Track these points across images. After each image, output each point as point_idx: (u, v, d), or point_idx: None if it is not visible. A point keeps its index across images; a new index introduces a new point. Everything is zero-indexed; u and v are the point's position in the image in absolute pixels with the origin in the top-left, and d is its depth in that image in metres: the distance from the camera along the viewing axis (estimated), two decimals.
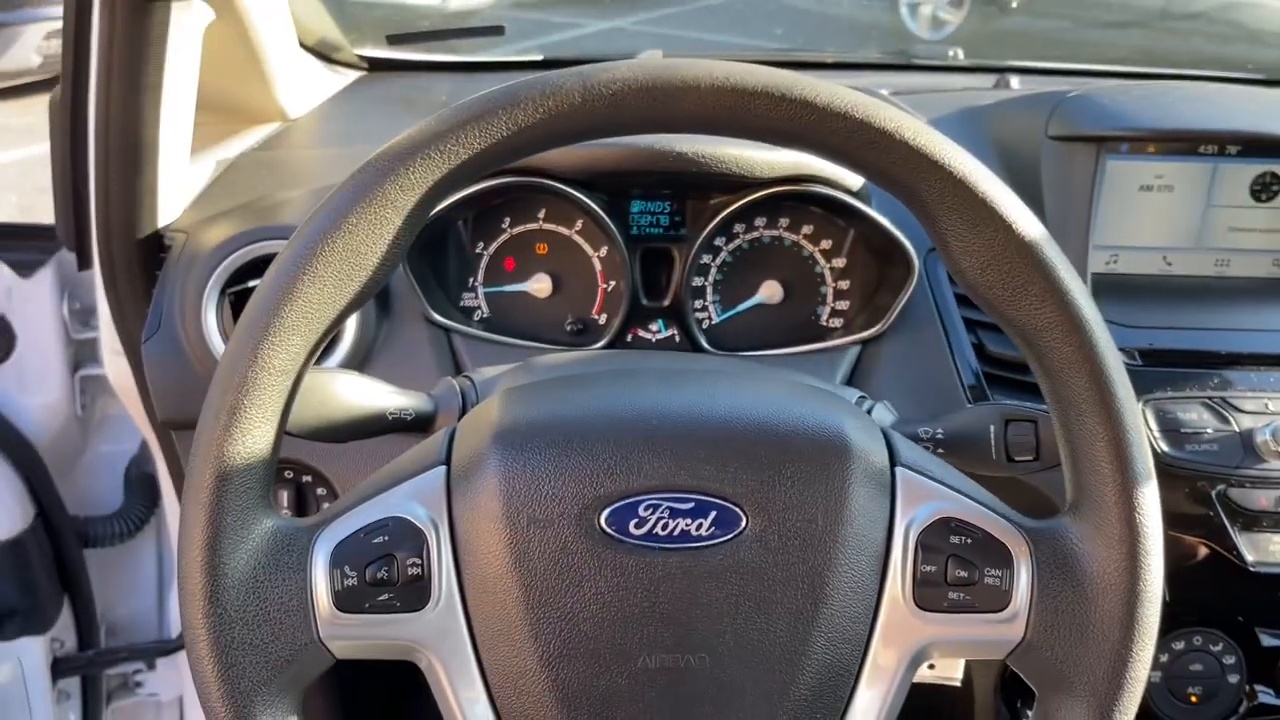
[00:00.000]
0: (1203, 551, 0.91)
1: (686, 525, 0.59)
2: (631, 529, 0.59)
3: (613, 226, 0.98)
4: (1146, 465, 0.58)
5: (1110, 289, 0.99)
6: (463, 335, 0.99)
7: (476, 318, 1.04)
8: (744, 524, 0.59)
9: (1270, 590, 0.92)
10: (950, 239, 0.59)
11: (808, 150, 0.59)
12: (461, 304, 1.03)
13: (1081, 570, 0.59)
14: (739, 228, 1.03)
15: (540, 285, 1.03)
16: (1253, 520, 0.90)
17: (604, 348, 1.01)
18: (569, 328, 1.03)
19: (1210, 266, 1.03)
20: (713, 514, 0.59)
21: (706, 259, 1.03)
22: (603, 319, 1.04)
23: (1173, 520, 0.91)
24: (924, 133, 0.57)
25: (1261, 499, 0.89)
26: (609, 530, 0.58)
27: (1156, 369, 0.93)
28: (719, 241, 1.03)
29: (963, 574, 0.60)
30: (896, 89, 1.32)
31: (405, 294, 0.98)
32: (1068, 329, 0.58)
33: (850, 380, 0.99)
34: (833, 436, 0.61)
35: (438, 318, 0.97)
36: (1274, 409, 0.91)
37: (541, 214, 1.03)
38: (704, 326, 1.04)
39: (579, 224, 1.02)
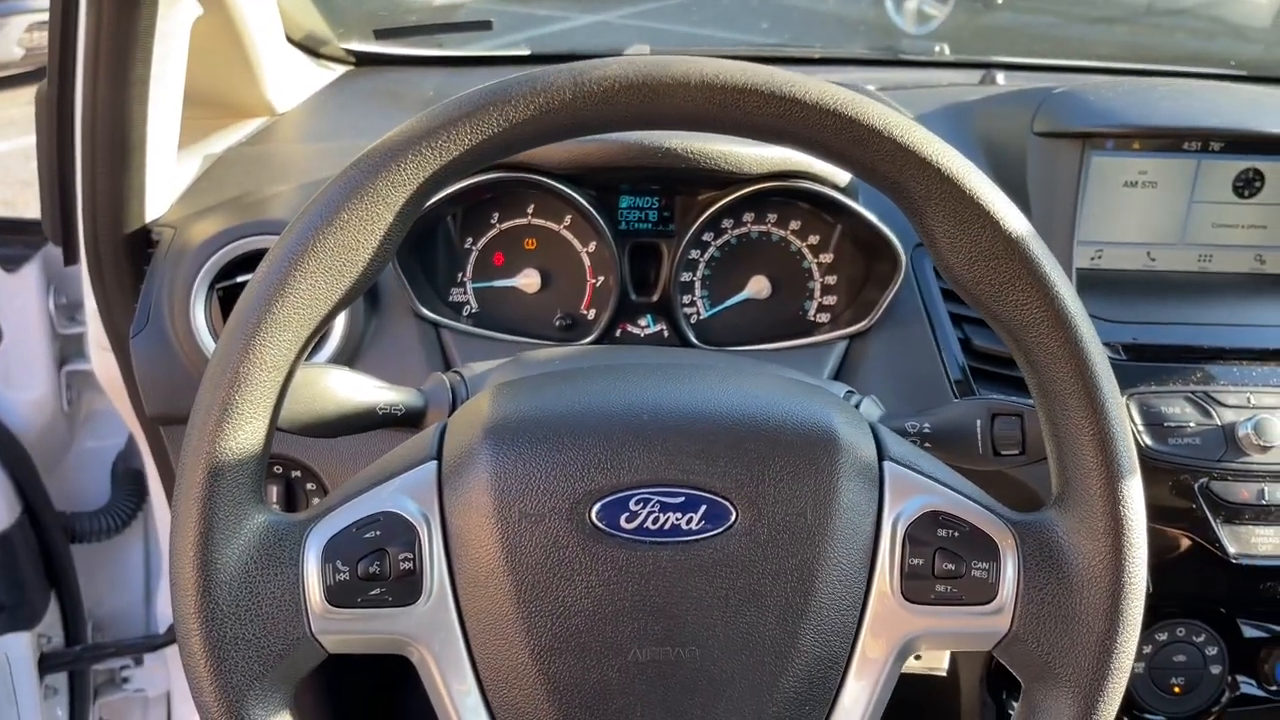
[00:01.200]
0: (1185, 544, 0.92)
1: (677, 519, 0.59)
2: (622, 523, 0.59)
3: (601, 222, 0.99)
4: (1131, 459, 0.58)
5: (1094, 284, 1.00)
6: (451, 330, 0.99)
7: (465, 313, 1.04)
8: (733, 518, 0.59)
9: (1252, 582, 0.93)
10: (937, 235, 0.59)
11: (797, 147, 0.60)
12: (450, 299, 1.04)
13: (1067, 562, 0.59)
14: (727, 223, 1.03)
15: (529, 280, 1.03)
16: (1235, 513, 0.91)
17: (593, 343, 1.02)
18: (558, 323, 1.03)
19: (1193, 262, 1.04)
20: (702, 508, 0.59)
21: (695, 254, 1.04)
22: (591, 314, 1.04)
23: (1156, 513, 0.91)
24: (912, 130, 0.58)
25: (1243, 492, 0.90)
26: (600, 524, 0.59)
27: (1140, 363, 0.94)
28: (707, 237, 1.04)
29: (950, 567, 0.60)
30: (883, 84, 1.33)
31: (394, 289, 0.98)
32: (1053, 324, 0.58)
33: (837, 375, 0.99)
34: (821, 431, 0.61)
35: (426, 313, 0.97)
36: (1256, 403, 0.92)
37: (530, 209, 1.03)
38: (692, 321, 1.04)
39: (568, 219, 1.03)
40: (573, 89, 0.57)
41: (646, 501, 0.59)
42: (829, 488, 0.60)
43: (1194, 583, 0.94)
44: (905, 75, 1.55)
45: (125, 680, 1.50)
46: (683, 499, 0.59)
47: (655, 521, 0.59)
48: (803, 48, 1.64)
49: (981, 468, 0.75)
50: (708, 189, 1.00)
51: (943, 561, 0.60)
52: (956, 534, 0.61)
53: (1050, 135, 1.00)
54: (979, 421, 0.75)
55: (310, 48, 1.39)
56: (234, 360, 0.57)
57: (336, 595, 0.59)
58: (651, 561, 0.59)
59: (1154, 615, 0.99)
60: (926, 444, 0.77)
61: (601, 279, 1.03)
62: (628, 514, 0.59)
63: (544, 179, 0.97)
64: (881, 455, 0.63)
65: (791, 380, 0.70)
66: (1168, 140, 0.99)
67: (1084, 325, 0.59)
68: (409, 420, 0.77)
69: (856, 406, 0.78)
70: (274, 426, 0.60)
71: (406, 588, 0.59)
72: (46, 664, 1.38)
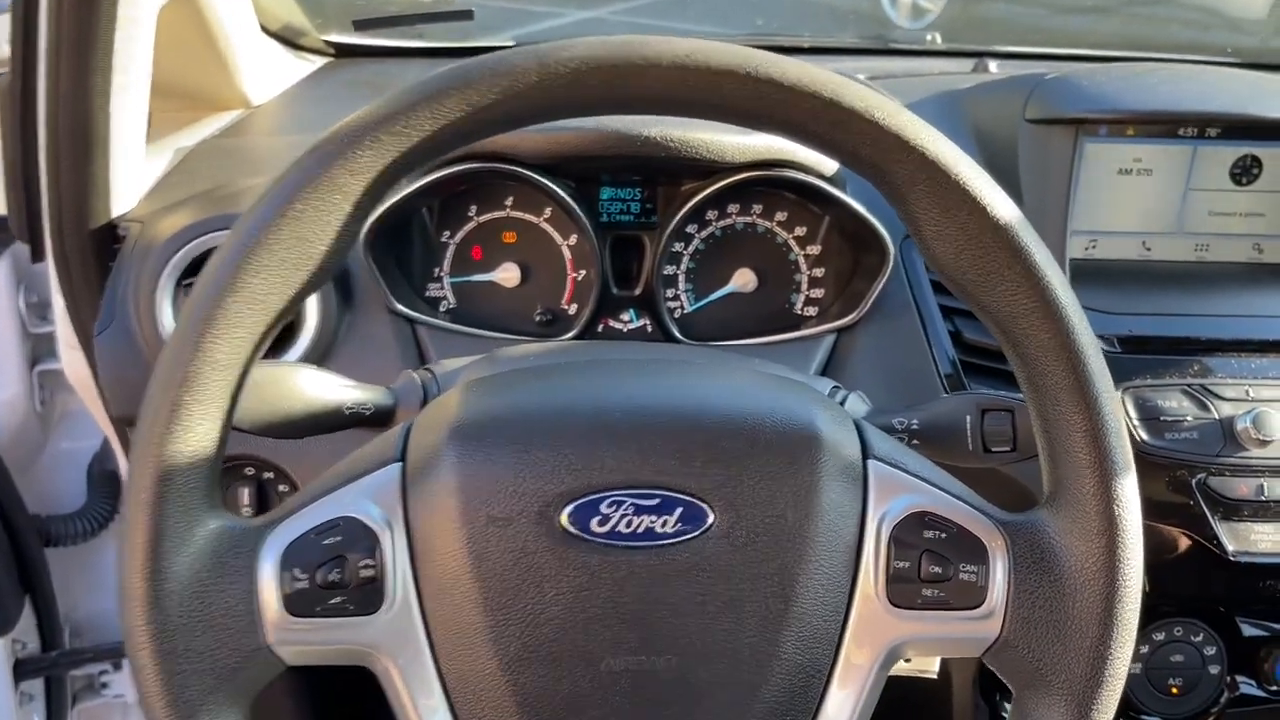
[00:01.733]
0: (1183, 541, 0.90)
1: (651, 522, 0.57)
2: (594, 527, 0.56)
3: (581, 214, 0.96)
4: (1125, 456, 0.56)
5: (1089, 275, 0.98)
6: (428, 327, 0.96)
7: (443, 308, 1.01)
8: (711, 520, 0.57)
9: (1251, 580, 0.90)
10: (923, 223, 0.57)
11: (776, 131, 0.57)
12: (427, 294, 1.01)
13: (1059, 565, 0.57)
14: (711, 214, 1.01)
15: (508, 275, 1.00)
16: (1233, 509, 0.88)
17: (574, 338, 0.99)
18: (538, 318, 1.00)
19: (1190, 251, 1.02)
20: (678, 510, 0.57)
21: (678, 247, 1.01)
22: (573, 309, 1.01)
23: (1152, 510, 0.89)
24: (895, 113, 0.55)
25: (1242, 487, 0.88)
26: (570, 528, 0.56)
27: (1136, 356, 0.91)
28: (691, 229, 1.01)
29: (937, 570, 0.58)
30: (873, 73, 1.30)
31: (368, 285, 0.95)
32: (1044, 315, 0.56)
33: (825, 370, 0.97)
34: (802, 429, 0.59)
35: (401, 309, 0.95)
36: (1254, 396, 0.89)
37: (509, 201, 1.00)
38: (676, 316, 1.02)
39: (547, 211, 1.00)
40: (538, 71, 0.54)
41: (620, 504, 0.57)
42: (810, 488, 0.58)
43: (1192, 582, 0.91)
44: (896, 64, 1.52)
45: (104, 685, 1.47)
46: (657, 501, 0.57)
47: (629, 525, 0.57)
48: (792, 36, 1.61)
49: (972, 465, 0.73)
50: (690, 179, 0.97)
51: (929, 564, 0.58)
52: (944, 535, 0.58)
53: (1042, 122, 0.97)
54: (968, 417, 0.73)
55: (288, 39, 1.36)
56: (184, 359, 0.54)
57: (295, 604, 0.56)
58: (625, 566, 0.57)
59: (1150, 615, 0.96)
60: (915, 441, 0.74)
61: (583, 273, 1.01)
62: (599, 517, 0.57)
63: (520, 169, 0.94)
64: (866, 453, 0.60)
65: (773, 376, 0.67)
66: (1163, 126, 0.97)
67: (1076, 316, 0.56)
68: (378, 419, 0.75)
69: (842, 403, 0.75)
70: (229, 428, 0.57)
71: (368, 596, 0.57)
72: (22, 670, 1.35)
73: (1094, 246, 1.01)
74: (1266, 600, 0.92)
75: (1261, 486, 0.88)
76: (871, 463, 0.60)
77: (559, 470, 0.57)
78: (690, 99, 0.55)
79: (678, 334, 1.00)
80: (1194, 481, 0.88)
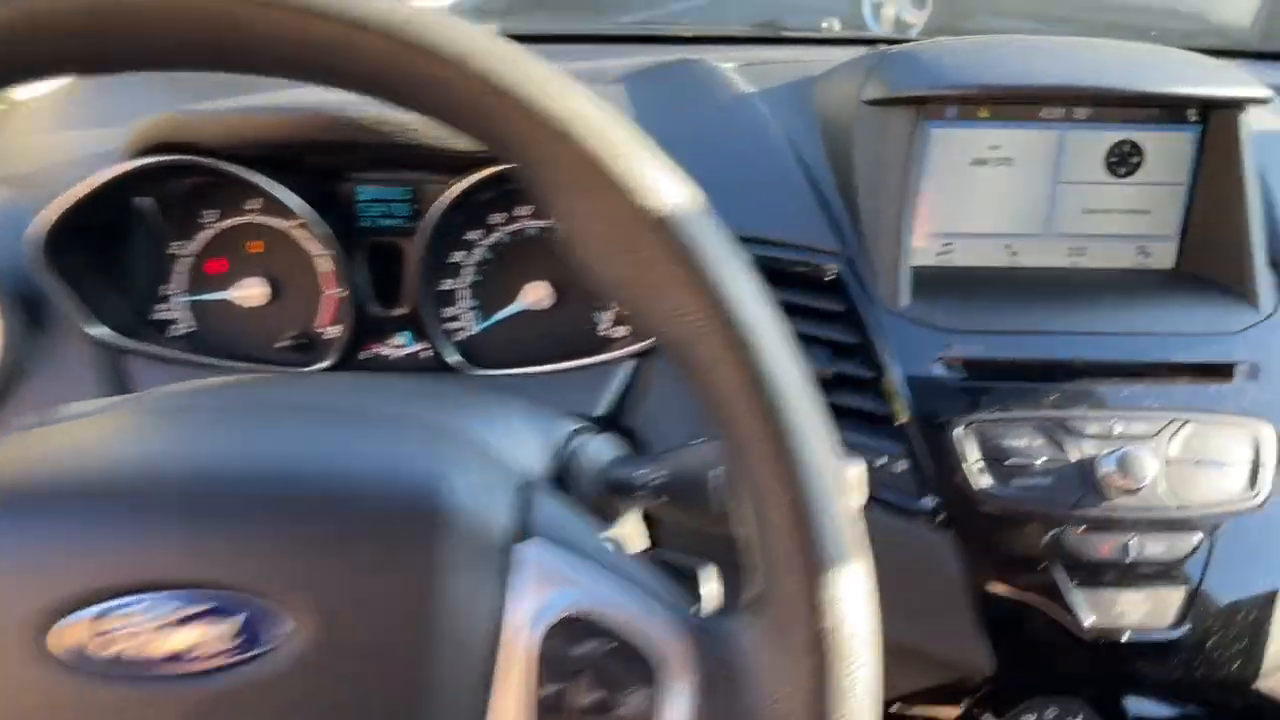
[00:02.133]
0: (1033, 613, 0.72)
1: (196, 638, 0.40)
2: (104, 649, 0.40)
3: (321, 219, 0.80)
4: (839, 541, 0.39)
5: (941, 284, 0.81)
6: (143, 355, 0.80)
7: (174, 333, 0.85)
8: (287, 630, 0.41)
9: (1116, 661, 0.73)
10: (565, 216, 0.41)
11: (360, 90, 0.41)
12: (154, 316, 0.84)
13: (754, 692, 0.41)
14: (497, 218, 0.85)
15: (249, 292, 0.84)
16: (1093, 573, 0.71)
17: (332, 367, 0.83)
18: (286, 343, 0.84)
19: (1063, 256, 0.85)
20: (238, 617, 0.41)
21: (457, 257, 0.85)
22: (331, 332, 0.85)
23: (996, 572, 0.73)
24: (516, 66, 0.39)
25: (1104, 546, 0.71)
26: (65, 654, 0.40)
27: (985, 383, 0.74)
28: (473, 235, 0.85)
29: (597, 696, 0.42)
30: (750, 62, 1.14)
31: (65, 304, 0.79)
32: (723, 341, 0.39)
33: (623, 401, 0.80)
34: (423, 501, 0.43)
35: (99, 334, 0.78)
36: (1121, 432, 0.72)
37: (255, 205, 0.84)
38: (458, 339, 0.85)
39: (297, 217, 0.84)
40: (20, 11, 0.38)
41: (149, 613, 0.40)
42: (430, 583, 0.42)
43: (1047, 661, 0.74)
44: (784, 53, 1.36)
45: None
46: (206, 607, 0.41)
47: (162, 642, 0.40)
48: (672, 25, 1.45)
49: (723, 532, 0.56)
50: (452, 176, 0.81)
51: (587, 690, 0.42)
52: (609, 646, 0.42)
53: (880, 103, 0.81)
54: (713, 472, 0.56)
55: None
56: None
57: None
58: (155, 704, 0.40)
59: (1016, 693, 0.79)
60: (664, 497, 0.58)
61: (344, 289, 0.85)
62: (113, 633, 0.40)
63: (228, 166, 0.77)
64: (522, 533, 0.44)
65: (427, 426, 0.50)
66: (1021, 105, 0.81)
67: (769, 342, 0.40)
68: None
69: (578, 449, 0.59)
70: None
71: None
72: None
73: (950, 251, 0.85)
74: (1137, 686, 0.76)
75: (1127, 546, 0.71)
76: (525, 546, 0.44)
77: (53, 566, 0.40)
78: (225, 47, 0.39)
79: (454, 361, 0.84)
80: (1046, 539, 0.71)
